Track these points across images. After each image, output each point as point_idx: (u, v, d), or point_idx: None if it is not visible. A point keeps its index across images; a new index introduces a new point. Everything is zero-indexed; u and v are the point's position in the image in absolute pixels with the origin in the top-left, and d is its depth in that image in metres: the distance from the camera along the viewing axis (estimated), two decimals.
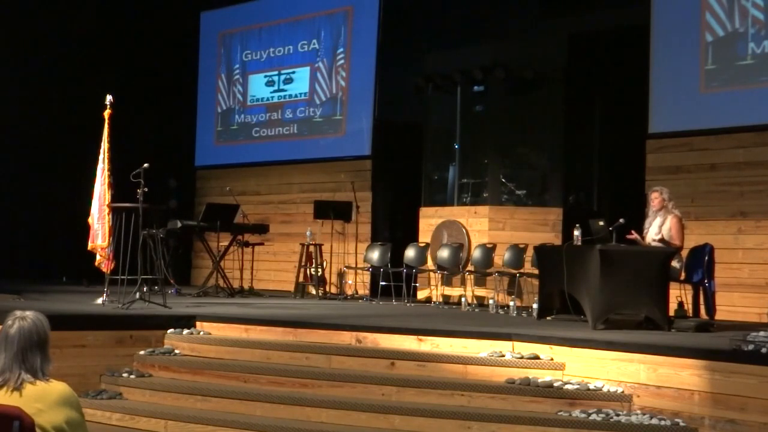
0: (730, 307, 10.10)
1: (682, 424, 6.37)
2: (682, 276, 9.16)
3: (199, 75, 16.71)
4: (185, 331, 8.69)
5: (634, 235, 9.12)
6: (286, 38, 15.46)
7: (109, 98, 10.20)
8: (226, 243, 12.79)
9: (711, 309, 9.00)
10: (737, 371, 6.26)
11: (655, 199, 9.23)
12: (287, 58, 15.44)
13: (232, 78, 16.21)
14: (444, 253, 12.27)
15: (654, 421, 6.40)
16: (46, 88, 14.56)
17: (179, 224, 12.41)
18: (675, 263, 8.93)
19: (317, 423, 7.01)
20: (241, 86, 16.09)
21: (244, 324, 8.72)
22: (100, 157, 10.20)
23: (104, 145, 10.20)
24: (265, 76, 15.72)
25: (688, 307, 9.34)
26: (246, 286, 12.74)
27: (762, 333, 6.70)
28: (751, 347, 6.47)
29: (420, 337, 7.89)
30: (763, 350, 6.33)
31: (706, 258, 9.04)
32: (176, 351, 8.46)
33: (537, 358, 7.30)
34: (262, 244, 13.39)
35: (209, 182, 16.27)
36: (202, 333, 8.71)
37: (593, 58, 12.98)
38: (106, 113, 10.20)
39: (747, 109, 10.63)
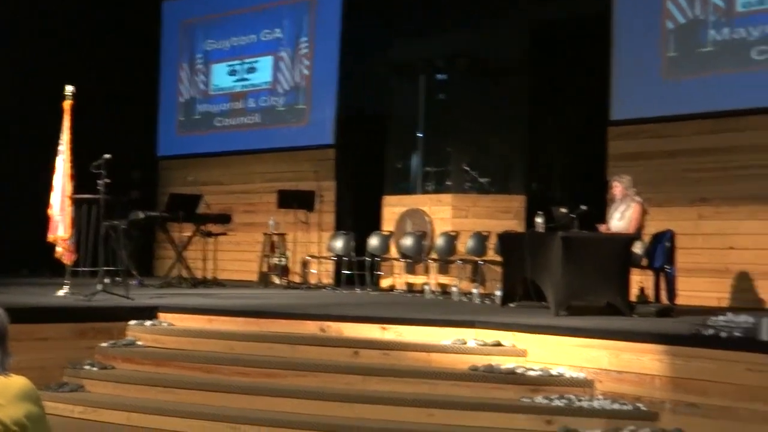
0: (690, 292, 10.17)
1: (643, 408, 6.43)
2: (644, 262, 9.23)
3: (161, 64, 16.58)
4: (147, 323, 8.63)
5: (604, 227, 9.18)
6: (249, 27, 15.36)
7: (69, 88, 10.10)
8: (188, 233, 12.71)
9: (672, 294, 9.08)
10: (697, 356, 6.32)
11: (615, 188, 9.30)
12: (250, 47, 15.35)
13: (195, 67, 16.10)
14: (407, 242, 12.28)
15: (616, 406, 6.45)
16: (4, 77, 14.35)
17: (142, 215, 12.33)
18: (637, 249, 9.00)
19: (281, 413, 6.98)
20: (204, 75, 15.99)
21: (207, 314, 8.68)
22: (61, 148, 10.09)
23: (65, 135, 10.09)
24: (228, 66, 15.64)
25: (649, 292, 9.43)
26: (209, 276, 12.68)
27: (722, 317, 6.78)
28: (710, 332, 6.55)
29: (384, 325, 7.90)
30: (723, 335, 6.40)
31: (667, 244, 9.11)
32: (139, 342, 8.40)
33: (500, 344, 7.33)
34: (225, 234, 13.32)
35: (172, 172, 16.15)
36: (164, 324, 8.66)
37: (555, 46, 13.01)
38: (67, 103, 10.11)
39: (708, 96, 10.72)
